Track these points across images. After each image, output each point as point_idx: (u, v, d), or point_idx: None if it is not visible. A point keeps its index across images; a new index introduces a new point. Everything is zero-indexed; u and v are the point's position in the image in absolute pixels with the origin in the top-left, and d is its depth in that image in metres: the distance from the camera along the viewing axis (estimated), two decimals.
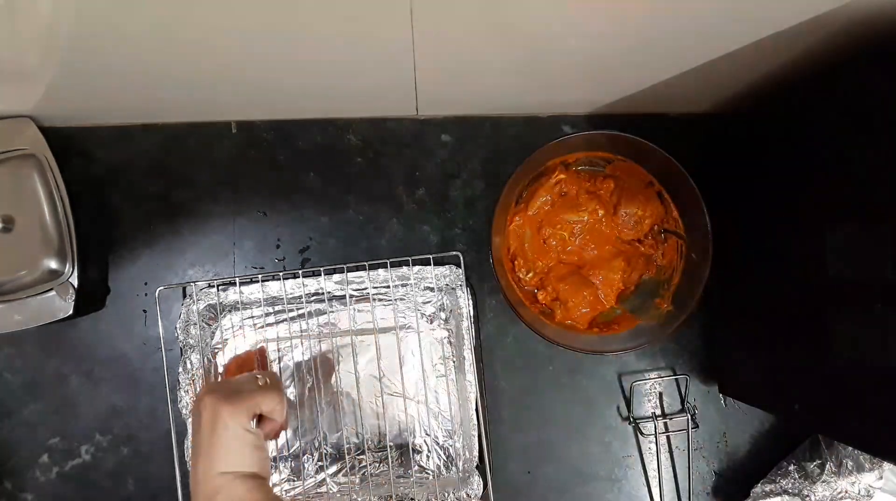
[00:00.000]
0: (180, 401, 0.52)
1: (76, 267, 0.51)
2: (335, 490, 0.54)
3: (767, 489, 0.56)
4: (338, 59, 0.45)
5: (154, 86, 0.48)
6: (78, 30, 0.38)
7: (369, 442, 0.55)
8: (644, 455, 0.58)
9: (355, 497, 0.52)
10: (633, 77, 0.52)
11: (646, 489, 0.58)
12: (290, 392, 0.55)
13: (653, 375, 0.59)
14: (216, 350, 0.55)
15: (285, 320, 0.56)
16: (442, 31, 0.41)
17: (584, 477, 0.58)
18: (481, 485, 0.53)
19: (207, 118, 0.57)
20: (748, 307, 0.54)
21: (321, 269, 0.55)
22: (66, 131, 0.54)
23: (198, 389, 0.52)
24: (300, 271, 0.55)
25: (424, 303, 0.57)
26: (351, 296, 0.56)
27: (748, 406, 0.58)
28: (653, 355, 0.59)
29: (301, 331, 0.55)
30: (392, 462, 0.54)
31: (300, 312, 0.56)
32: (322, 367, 0.55)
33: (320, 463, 0.54)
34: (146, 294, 0.55)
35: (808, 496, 0.55)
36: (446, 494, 0.52)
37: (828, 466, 0.54)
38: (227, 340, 0.55)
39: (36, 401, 0.53)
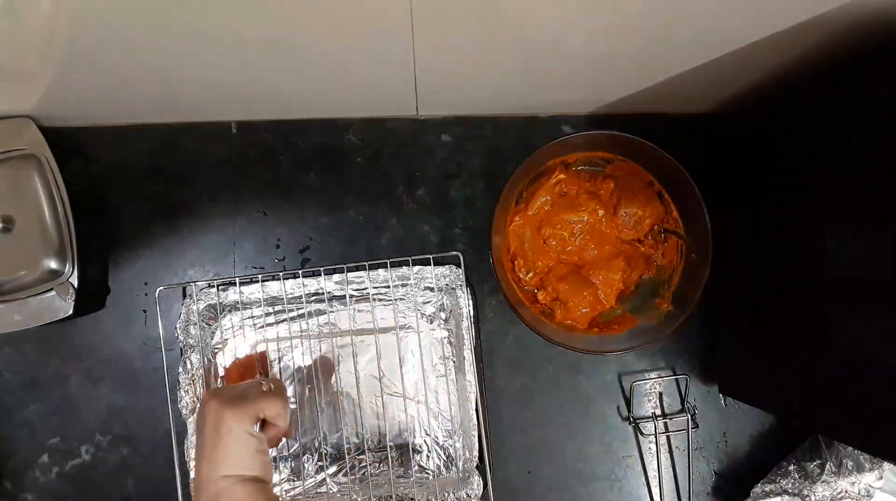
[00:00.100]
0: (180, 401, 0.52)
1: (76, 267, 0.51)
2: (335, 490, 0.54)
3: (767, 489, 0.56)
4: (338, 59, 0.45)
5: (154, 86, 0.48)
6: (78, 30, 0.38)
7: (369, 442, 0.55)
8: (644, 455, 0.58)
9: (355, 497, 0.52)
10: (633, 77, 0.52)
11: (646, 489, 0.58)
12: (290, 392, 0.55)
13: (653, 375, 0.59)
14: (216, 350, 0.55)
15: (285, 320, 0.55)
16: (442, 31, 0.41)
17: (584, 477, 0.58)
18: (481, 485, 0.53)
19: (207, 118, 0.57)
20: (748, 307, 0.54)
21: (321, 269, 0.55)
22: (66, 131, 0.54)
23: (198, 389, 0.52)
24: (300, 271, 0.55)
25: (424, 303, 0.57)
26: (351, 296, 0.56)
27: (748, 406, 0.58)
28: (653, 355, 0.59)
29: (301, 331, 0.55)
30: (392, 462, 0.54)
31: (300, 312, 0.56)
32: (322, 367, 0.55)
33: (320, 463, 0.54)
34: (146, 294, 0.55)
35: (808, 496, 0.55)
36: (446, 494, 0.52)
37: (828, 466, 0.54)
38: (227, 340, 0.55)
39: (36, 401, 0.53)
